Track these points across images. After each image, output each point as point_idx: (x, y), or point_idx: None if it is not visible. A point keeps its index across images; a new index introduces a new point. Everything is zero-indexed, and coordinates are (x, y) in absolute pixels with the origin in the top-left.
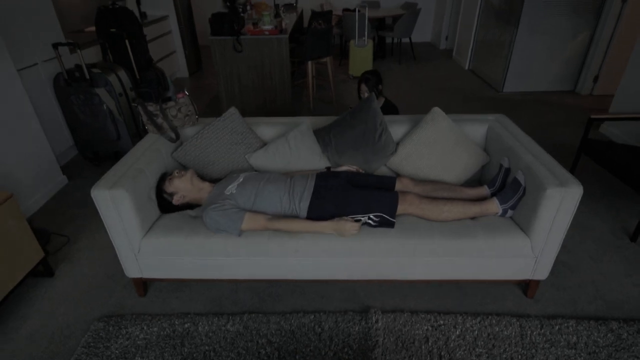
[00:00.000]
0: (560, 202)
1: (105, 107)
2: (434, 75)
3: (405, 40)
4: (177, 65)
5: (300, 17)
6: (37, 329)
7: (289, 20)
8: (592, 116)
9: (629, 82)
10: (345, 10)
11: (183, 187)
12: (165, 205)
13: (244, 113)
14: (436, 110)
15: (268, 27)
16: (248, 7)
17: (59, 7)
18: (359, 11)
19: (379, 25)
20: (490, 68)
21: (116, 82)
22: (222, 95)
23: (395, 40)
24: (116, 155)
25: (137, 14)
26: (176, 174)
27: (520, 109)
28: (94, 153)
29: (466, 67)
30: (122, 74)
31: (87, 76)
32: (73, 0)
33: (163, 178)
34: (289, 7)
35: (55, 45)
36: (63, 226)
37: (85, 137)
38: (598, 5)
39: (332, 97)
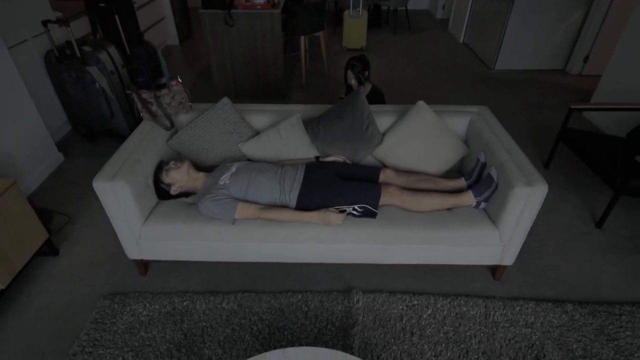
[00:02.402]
0: (527, 200)
1: (97, 86)
2: (428, 49)
3: (402, 8)
4: (167, 33)
5: None
6: (45, 306)
7: None
8: (572, 106)
9: (617, 64)
10: None
11: (180, 179)
12: (163, 193)
13: (236, 91)
14: (421, 104)
15: (260, 0)
16: None
17: None
18: None
19: None
20: (484, 43)
21: (107, 60)
22: (213, 69)
23: (391, 8)
24: (110, 133)
25: None
26: (172, 166)
27: (510, 88)
28: (87, 129)
29: (461, 41)
30: (113, 50)
31: (78, 54)
32: None
33: (160, 167)
34: None
35: (45, 23)
36: (63, 204)
37: (78, 114)
38: None
39: (324, 71)
